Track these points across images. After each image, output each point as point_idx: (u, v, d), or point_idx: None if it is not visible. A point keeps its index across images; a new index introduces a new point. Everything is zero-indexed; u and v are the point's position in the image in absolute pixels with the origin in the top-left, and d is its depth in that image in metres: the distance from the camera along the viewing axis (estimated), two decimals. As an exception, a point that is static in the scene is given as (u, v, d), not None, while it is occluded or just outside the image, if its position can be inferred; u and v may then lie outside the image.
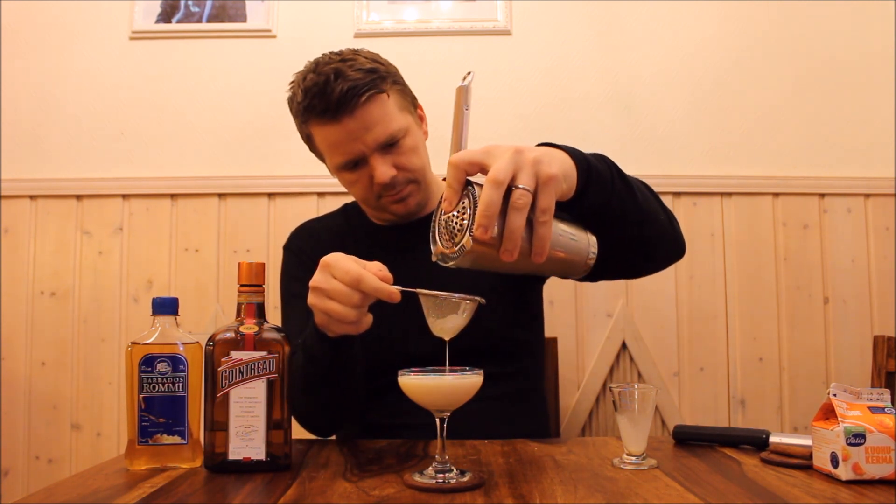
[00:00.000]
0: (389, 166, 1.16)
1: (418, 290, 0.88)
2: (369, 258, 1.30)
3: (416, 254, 1.27)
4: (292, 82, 1.20)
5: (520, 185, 0.75)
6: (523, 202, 0.75)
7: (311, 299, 0.93)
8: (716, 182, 1.88)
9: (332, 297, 0.90)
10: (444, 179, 1.39)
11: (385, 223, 1.31)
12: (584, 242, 0.88)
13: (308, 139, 1.23)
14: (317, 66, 1.15)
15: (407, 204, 1.22)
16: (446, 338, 0.89)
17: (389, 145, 1.16)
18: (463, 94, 0.85)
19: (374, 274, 0.89)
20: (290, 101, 1.20)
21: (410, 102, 1.24)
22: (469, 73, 0.86)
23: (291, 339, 0.91)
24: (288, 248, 1.34)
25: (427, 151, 1.26)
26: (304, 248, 1.31)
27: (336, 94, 1.11)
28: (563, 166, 0.83)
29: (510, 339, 1.24)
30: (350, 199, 1.41)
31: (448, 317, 0.88)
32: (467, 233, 0.77)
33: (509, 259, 0.77)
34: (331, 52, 1.18)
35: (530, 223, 0.77)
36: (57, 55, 1.92)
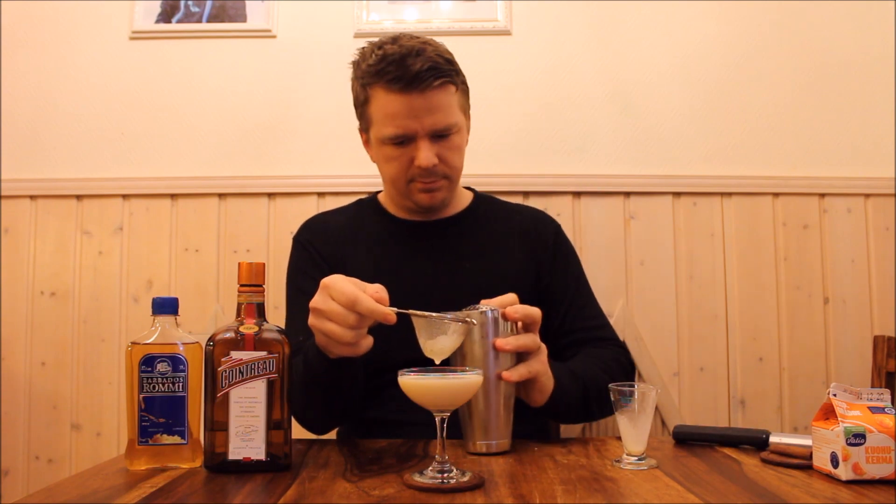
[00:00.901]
0: (434, 154, 1.19)
1: (411, 312, 0.90)
2: (382, 249, 1.32)
3: (427, 251, 1.28)
4: (362, 48, 1.22)
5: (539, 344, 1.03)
6: (535, 344, 1.01)
7: (311, 320, 0.94)
8: (716, 182, 1.88)
9: (330, 319, 0.91)
10: (465, 188, 1.42)
11: (405, 211, 1.31)
12: (504, 433, 1.00)
13: (363, 103, 1.23)
14: (397, 40, 1.18)
15: (434, 196, 1.24)
16: (437, 359, 0.90)
17: (441, 136, 1.19)
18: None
19: (370, 296, 0.90)
20: (357, 63, 1.22)
21: (467, 108, 1.27)
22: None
23: (293, 333, 0.91)
24: (297, 240, 1.34)
25: (464, 159, 1.28)
26: (313, 240, 1.32)
27: (415, 68, 1.14)
28: (547, 385, 1.05)
29: None
30: (358, 196, 1.41)
31: (438, 338, 0.90)
32: (497, 310, 0.99)
33: (501, 346, 0.98)
34: (410, 34, 1.21)
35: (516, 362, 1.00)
36: (57, 55, 1.92)
